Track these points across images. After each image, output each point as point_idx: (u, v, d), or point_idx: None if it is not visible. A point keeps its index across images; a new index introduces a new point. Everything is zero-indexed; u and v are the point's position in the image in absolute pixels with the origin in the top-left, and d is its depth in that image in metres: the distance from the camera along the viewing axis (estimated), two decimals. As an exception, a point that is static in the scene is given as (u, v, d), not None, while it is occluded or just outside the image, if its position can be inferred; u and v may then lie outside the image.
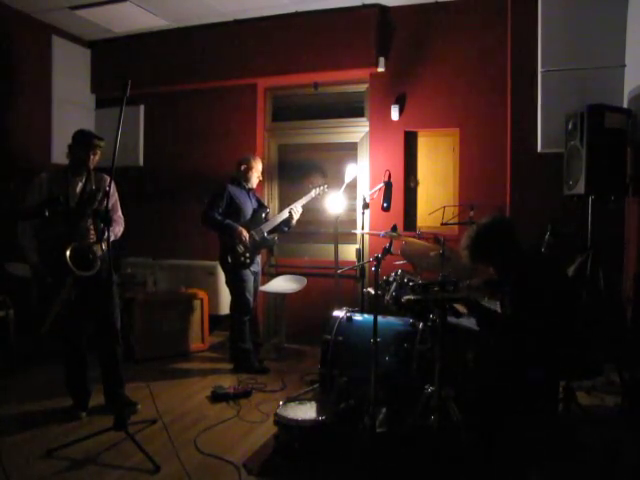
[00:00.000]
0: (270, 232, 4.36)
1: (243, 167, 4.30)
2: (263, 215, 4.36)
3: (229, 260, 4.13)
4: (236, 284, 4.20)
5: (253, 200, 4.37)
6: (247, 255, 4.16)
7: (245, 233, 4.12)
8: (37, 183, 3.16)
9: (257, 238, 4.22)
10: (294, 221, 4.36)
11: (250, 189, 4.36)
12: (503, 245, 2.81)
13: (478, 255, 2.84)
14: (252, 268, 4.25)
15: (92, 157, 3.16)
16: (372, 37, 4.83)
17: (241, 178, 4.31)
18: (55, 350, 3.41)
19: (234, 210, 4.19)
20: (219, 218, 4.12)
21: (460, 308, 3.13)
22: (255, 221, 4.28)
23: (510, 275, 2.81)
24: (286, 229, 4.45)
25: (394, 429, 2.80)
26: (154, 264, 5.39)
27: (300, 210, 4.35)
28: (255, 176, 4.34)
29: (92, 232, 3.17)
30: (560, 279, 2.93)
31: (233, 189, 4.24)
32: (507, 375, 2.69)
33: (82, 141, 3.14)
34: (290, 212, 4.31)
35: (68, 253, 2.91)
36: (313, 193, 4.41)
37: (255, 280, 4.34)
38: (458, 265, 3.18)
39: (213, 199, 4.18)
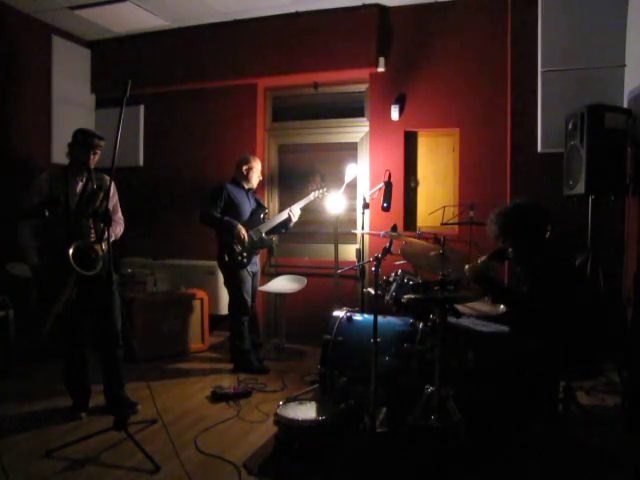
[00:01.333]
0: (268, 233, 4.37)
1: (244, 168, 4.29)
2: (261, 216, 4.36)
3: (226, 259, 4.13)
4: (234, 284, 4.20)
5: (252, 200, 4.36)
6: (244, 255, 4.16)
7: (243, 231, 4.11)
8: (37, 184, 3.15)
9: (255, 238, 4.22)
10: (292, 223, 4.36)
11: (249, 189, 4.36)
12: (537, 228, 2.82)
13: (508, 231, 2.85)
14: (250, 268, 4.25)
15: (92, 157, 3.15)
16: (372, 37, 4.83)
17: (242, 179, 4.30)
18: (55, 350, 3.41)
19: (232, 209, 4.18)
20: (217, 215, 4.12)
21: (461, 308, 3.14)
22: (253, 221, 4.27)
23: (532, 258, 2.82)
24: (284, 230, 4.46)
25: (394, 429, 2.80)
26: (154, 264, 5.39)
27: (299, 212, 4.36)
28: (256, 176, 4.34)
29: (93, 232, 3.17)
30: (577, 275, 2.96)
31: (232, 188, 4.24)
32: (508, 376, 2.70)
33: (82, 140, 3.13)
34: (289, 214, 4.31)
35: (71, 251, 2.90)
36: (312, 196, 4.42)
37: (253, 280, 4.33)
38: (458, 264, 3.18)
39: (211, 198, 4.18)
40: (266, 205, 5.01)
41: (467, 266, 3.03)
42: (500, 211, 2.90)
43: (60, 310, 3.01)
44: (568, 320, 2.71)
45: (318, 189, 4.45)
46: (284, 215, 4.34)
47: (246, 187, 4.33)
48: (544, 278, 2.76)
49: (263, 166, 4.68)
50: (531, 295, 2.74)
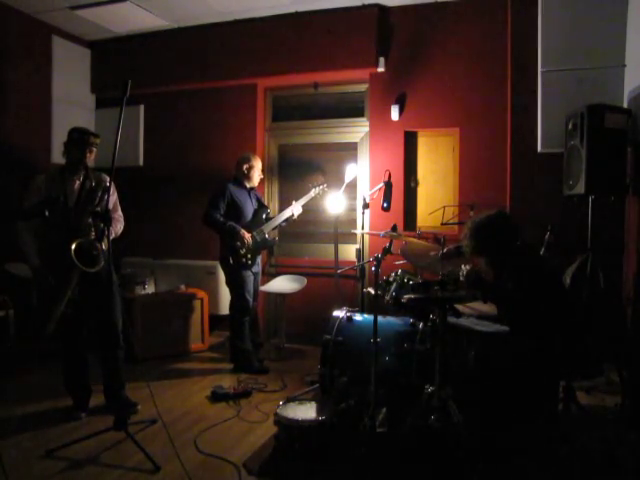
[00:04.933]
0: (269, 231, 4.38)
1: (245, 166, 4.29)
2: (264, 216, 4.36)
3: (231, 261, 4.13)
4: (236, 284, 4.20)
5: (254, 200, 4.37)
6: (248, 256, 4.16)
7: (247, 235, 4.12)
8: (35, 185, 3.15)
9: (258, 239, 4.22)
10: (293, 218, 4.39)
11: (251, 188, 4.36)
12: (503, 239, 2.83)
13: (476, 247, 2.87)
14: (252, 269, 4.25)
15: (89, 154, 3.15)
16: (372, 37, 4.83)
17: (243, 178, 4.30)
18: (55, 350, 3.41)
19: (235, 211, 4.18)
20: (221, 219, 4.11)
21: (461, 308, 3.14)
22: (256, 222, 4.27)
23: (506, 265, 2.85)
24: (284, 224, 4.46)
25: (394, 429, 2.80)
26: (154, 264, 5.39)
27: (300, 210, 4.38)
28: (257, 174, 4.35)
29: (92, 230, 3.17)
30: (555, 278, 2.98)
31: (234, 189, 4.24)
32: (508, 376, 2.70)
33: (78, 138, 3.13)
34: (292, 212, 4.34)
35: (74, 247, 2.90)
36: (313, 193, 4.43)
37: (255, 280, 4.33)
38: (457, 264, 3.19)
39: (214, 199, 4.17)
40: (266, 204, 5.01)
41: (465, 267, 3.04)
42: (469, 227, 2.92)
43: (62, 309, 3.01)
44: (559, 318, 2.72)
45: (318, 185, 4.46)
46: (286, 214, 4.35)
47: (248, 186, 4.33)
48: (521, 276, 2.79)
49: (263, 166, 4.67)
50: (516, 292, 2.76)
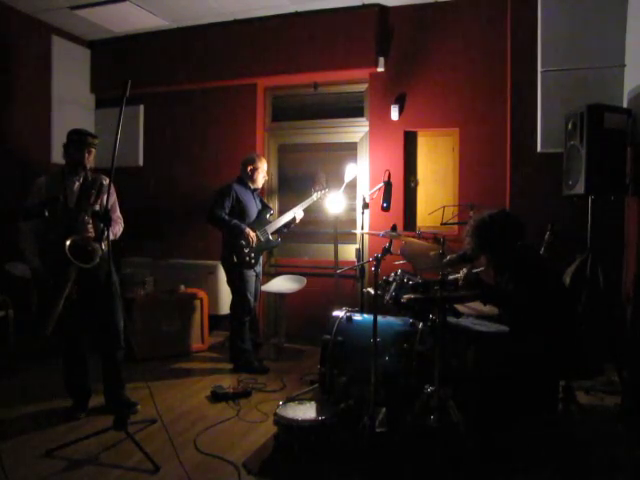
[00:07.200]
0: (272, 233, 4.38)
1: (250, 168, 4.28)
2: (267, 216, 4.37)
3: (235, 260, 4.13)
4: (238, 284, 4.20)
5: (257, 201, 4.37)
6: (252, 255, 4.17)
7: (252, 234, 4.12)
8: (36, 186, 3.16)
9: (262, 239, 4.23)
10: (295, 223, 4.40)
11: (255, 189, 4.36)
12: (504, 238, 2.84)
13: (478, 244, 2.88)
14: (255, 268, 4.25)
15: (87, 155, 3.15)
16: (372, 37, 4.83)
17: (247, 178, 4.30)
18: (55, 350, 3.41)
19: (239, 210, 4.19)
20: (226, 217, 4.11)
21: (461, 308, 3.14)
22: (259, 222, 4.28)
23: (508, 263, 2.85)
24: (285, 230, 4.48)
25: (394, 429, 2.80)
26: (154, 264, 5.38)
27: (302, 213, 4.39)
28: (261, 176, 4.34)
29: (90, 227, 3.16)
30: (554, 277, 2.98)
31: (239, 189, 4.24)
32: (507, 376, 2.70)
33: (77, 140, 3.14)
34: (294, 215, 4.35)
35: (68, 243, 2.90)
36: (314, 197, 4.43)
37: (257, 280, 4.34)
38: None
39: (219, 198, 4.17)
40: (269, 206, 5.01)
41: (464, 270, 3.04)
42: (472, 224, 2.92)
43: (61, 309, 3.01)
44: (559, 318, 2.72)
45: (320, 190, 4.46)
46: (290, 216, 4.37)
47: (252, 187, 4.33)
48: (524, 277, 2.79)
49: (263, 166, 4.68)
50: (517, 293, 2.76)
